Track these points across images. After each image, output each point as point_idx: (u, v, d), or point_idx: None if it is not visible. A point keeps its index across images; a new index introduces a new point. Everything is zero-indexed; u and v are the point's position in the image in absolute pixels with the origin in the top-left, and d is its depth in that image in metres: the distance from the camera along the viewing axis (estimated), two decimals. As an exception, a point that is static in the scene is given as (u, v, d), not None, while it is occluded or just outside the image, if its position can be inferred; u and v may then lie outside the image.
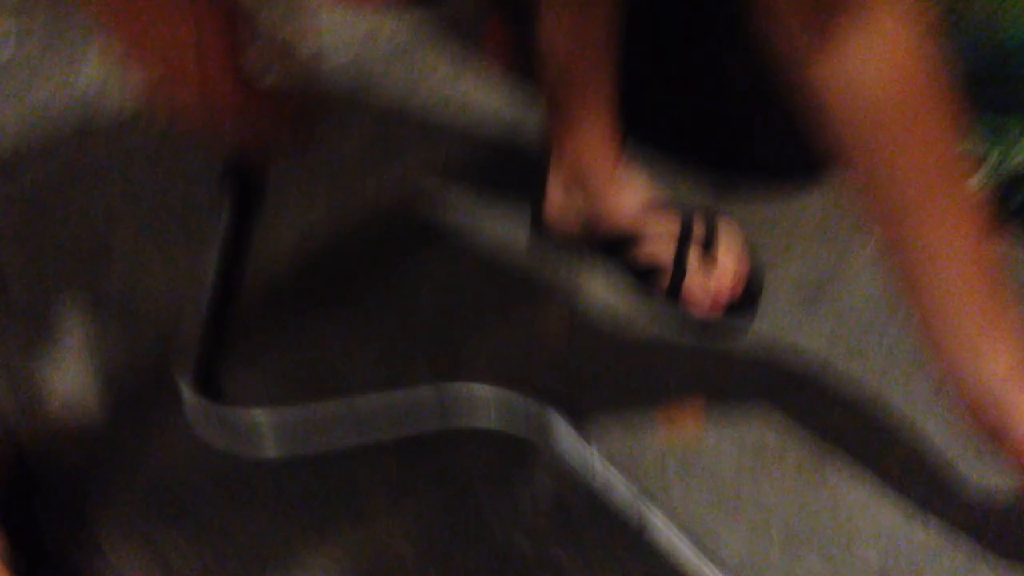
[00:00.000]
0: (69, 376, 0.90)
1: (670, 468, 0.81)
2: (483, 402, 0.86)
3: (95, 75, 1.21)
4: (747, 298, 0.95)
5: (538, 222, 1.04)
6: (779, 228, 1.03)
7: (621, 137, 0.97)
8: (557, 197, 1.01)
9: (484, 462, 0.84)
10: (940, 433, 0.79)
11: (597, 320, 0.98)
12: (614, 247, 0.99)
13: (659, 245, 0.97)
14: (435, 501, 0.81)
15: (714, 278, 0.95)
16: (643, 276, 0.99)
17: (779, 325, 0.93)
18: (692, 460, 0.82)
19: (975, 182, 0.95)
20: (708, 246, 0.95)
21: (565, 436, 0.82)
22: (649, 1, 1.01)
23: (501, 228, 1.06)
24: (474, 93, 1.20)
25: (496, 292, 1.01)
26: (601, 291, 0.99)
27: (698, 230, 0.96)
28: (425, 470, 0.83)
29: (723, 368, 0.91)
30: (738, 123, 1.07)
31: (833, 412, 0.83)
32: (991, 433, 0.63)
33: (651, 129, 1.09)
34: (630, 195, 0.98)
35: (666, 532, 0.74)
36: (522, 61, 1.25)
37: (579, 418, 0.83)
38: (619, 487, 0.77)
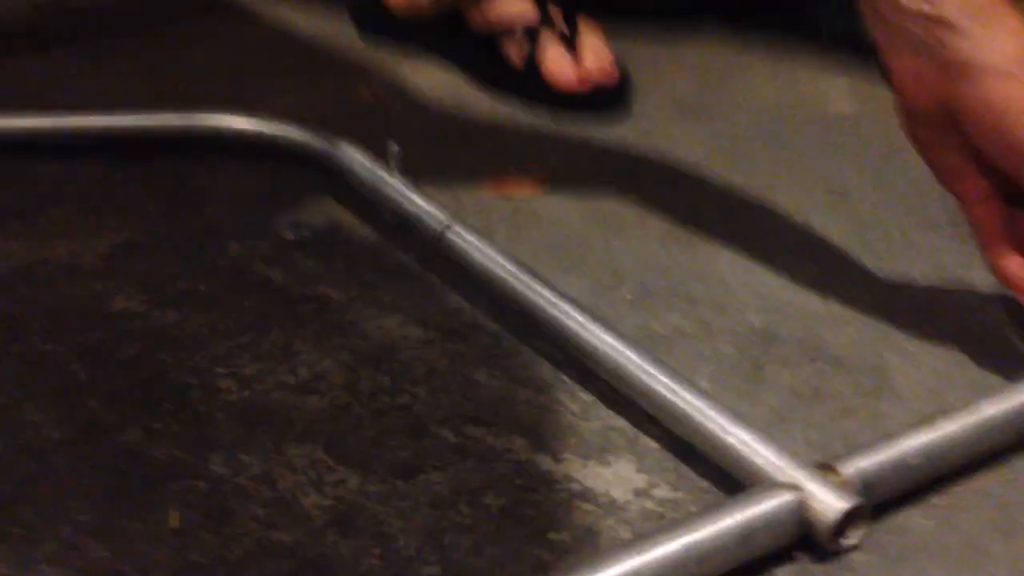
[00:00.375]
0: None
1: (496, 221, 0.60)
2: (249, 134, 0.63)
3: None
4: (617, 89, 0.77)
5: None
6: (652, 58, 0.86)
7: None
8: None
9: (239, 192, 0.61)
10: (836, 226, 0.61)
11: (430, 93, 0.78)
12: (459, 20, 0.80)
13: (514, 17, 0.78)
14: (155, 219, 0.57)
15: (577, 57, 0.77)
16: (492, 50, 0.80)
17: (651, 130, 0.74)
18: (526, 218, 0.61)
19: None
20: (569, 34, 0.78)
21: (353, 162, 0.59)
22: None
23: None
24: None
25: (313, 65, 0.80)
26: (439, 66, 0.81)
27: (557, 17, 0.78)
28: (154, 188, 0.60)
29: (578, 148, 0.71)
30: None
31: (710, 206, 0.64)
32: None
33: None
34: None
35: (478, 253, 0.51)
36: None
37: (377, 154, 0.61)
38: (420, 214, 0.55)
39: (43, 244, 0.54)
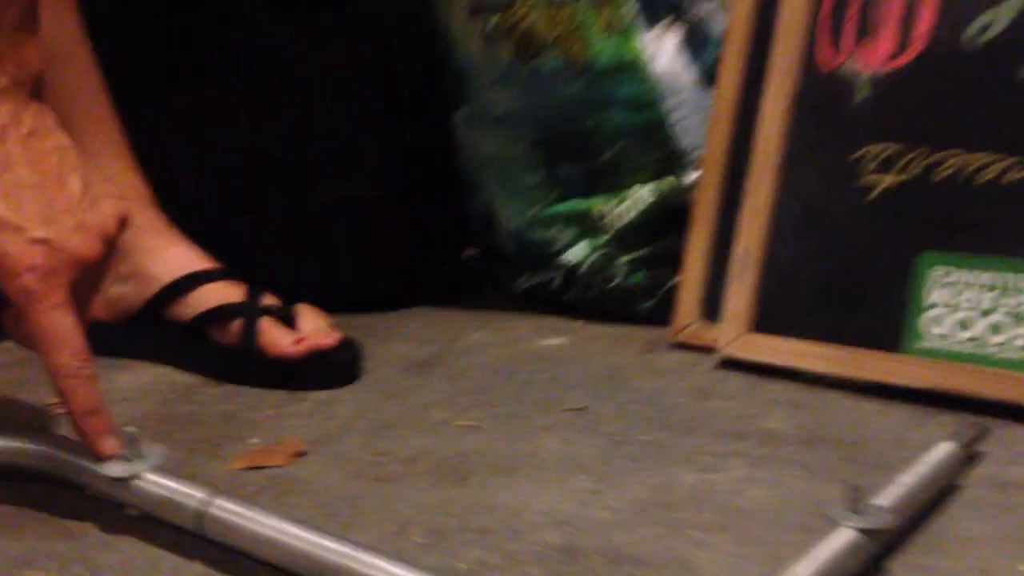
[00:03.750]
0: None
1: (253, 493, 0.55)
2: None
3: None
4: (343, 352, 0.77)
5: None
6: (376, 334, 0.88)
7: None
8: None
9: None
10: (588, 439, 0.64)
11: (145, 390, 0.72)
12: (155, 315, 0.77)
13: (223, 299, 0.77)
14: None
15: (295, 330, 0.76)
16: (200, 339, 0.77)
17: (387, 390, 0.75)
18: (286, 486, 0.57)
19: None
20: (284, 317, 0.77)
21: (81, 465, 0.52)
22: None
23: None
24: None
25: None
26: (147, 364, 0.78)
27: (269, 300, 0.78)
28: None
29: (324, 414, 0.69)
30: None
31: (466, 443, 0.64)
32: None
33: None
34: (179, 252, 0.79)
35: (250, 523, 0.46)
36: None
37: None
38: (173, 496, 0.49)
39: None
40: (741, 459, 0.62)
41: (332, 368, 0.76)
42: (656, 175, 0.92)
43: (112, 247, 0.53)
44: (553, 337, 0.91)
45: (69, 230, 0.50)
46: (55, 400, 0.68)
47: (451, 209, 1.06)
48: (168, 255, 0.78)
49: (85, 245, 0.50)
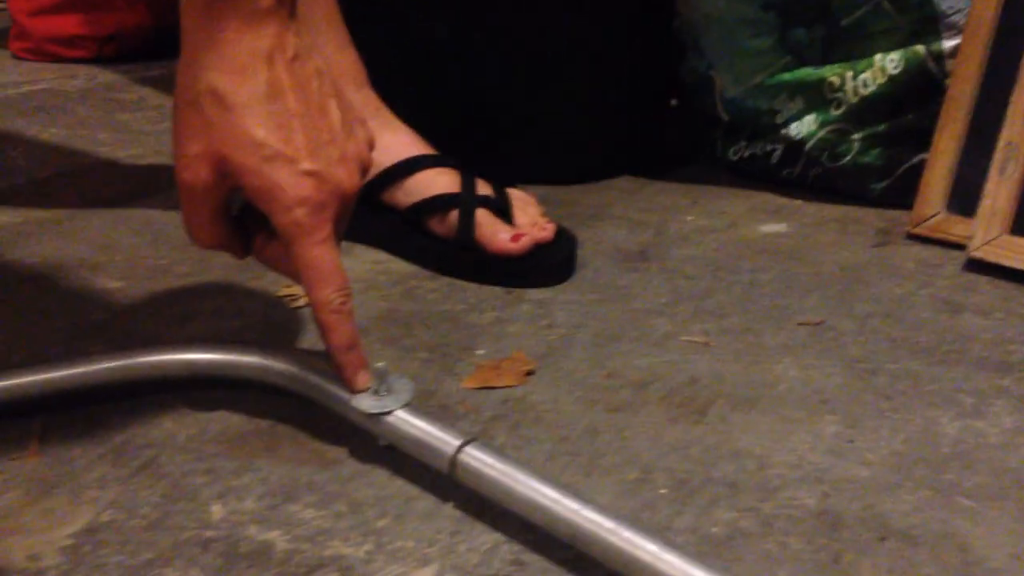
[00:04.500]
0: None
1: (489, 421, 0.55)
2: (199, 366, 0.56)
3: None
4: (559, 248, 0.74)
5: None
6: (584, 216, 0.85)
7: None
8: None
9: (199, 440, 0.53)
10: (827, 364, 0.60)
11: (360, 278, 0.73)
12: (373, 200, 0.76)
13: (439, 188, 0.75)
14: (111, 489, 0.48)
15: (511, 224, 0.74)
16: (418, 227, 0.76)
17: (604, 290, 0.72)
18: (520, 413, 0.56)
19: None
20: (499, 206, 0.75)
21: (330, 390, 0.53)
22: None
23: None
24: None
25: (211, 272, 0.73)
26: (362, 248, 0.78)
27: (485, 188, 0.75)
28: (96, 449, 0.51)
29: (545, 320, 0.67)
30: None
31: (695, 364, 0.61)
32: None
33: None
34: (395, 136, 0.77)
35: (494, 469, 0.46)
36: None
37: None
38: (426, 438, 0.49)
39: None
40: (1007, 401, 0.56)
41: (550, 265, 0.73)
42: (905, 42, 0.82)
43: (367, 174, 0.51)
44: (773, 222, 0.85)
45: (335, 162, 0.48)
46: (286, 291, 0.69)
47: (661, 71, 0.98)
48: (384, 139, 0.75)
49: (349, 177, 0.49)
